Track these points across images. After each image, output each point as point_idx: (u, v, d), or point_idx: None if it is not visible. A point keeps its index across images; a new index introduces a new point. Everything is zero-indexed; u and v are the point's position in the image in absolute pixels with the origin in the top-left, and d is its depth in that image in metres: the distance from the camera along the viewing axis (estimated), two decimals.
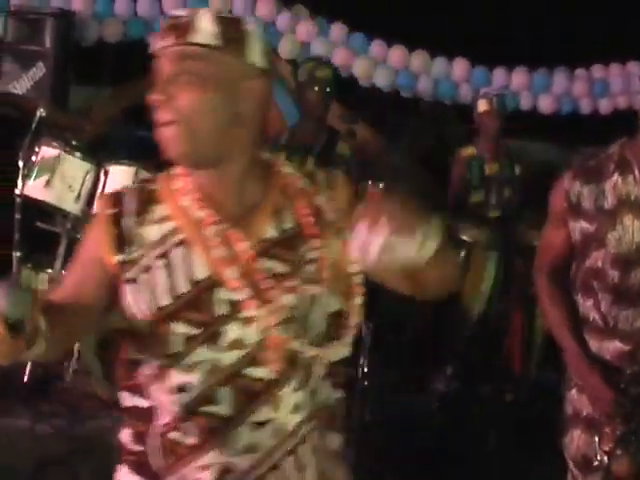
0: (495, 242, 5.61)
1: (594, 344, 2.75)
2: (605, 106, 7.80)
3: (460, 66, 7.52)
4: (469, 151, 5.72)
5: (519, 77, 7.56)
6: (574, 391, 2.82)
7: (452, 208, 5.74)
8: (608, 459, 2.64)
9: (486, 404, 5.61)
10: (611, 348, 2.71)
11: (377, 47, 7.50)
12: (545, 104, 7.62)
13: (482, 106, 5.70)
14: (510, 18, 7.80)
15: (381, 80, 7.45)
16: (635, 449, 2.61)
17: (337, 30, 7.47)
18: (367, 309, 1.76)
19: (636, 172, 2.59)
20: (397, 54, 7.48)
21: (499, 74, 7.55)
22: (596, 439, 2.71)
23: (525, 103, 7.56)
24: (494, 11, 7.79)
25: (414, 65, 7.50)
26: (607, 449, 2.64)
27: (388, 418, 5.15)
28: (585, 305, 2.77)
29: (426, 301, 2.10)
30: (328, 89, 4.71)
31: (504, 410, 5.62)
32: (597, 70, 7.81)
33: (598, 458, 2.68)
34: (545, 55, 7.64)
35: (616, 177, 2.61)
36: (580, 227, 2.67)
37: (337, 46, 7.44)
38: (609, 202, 2.61)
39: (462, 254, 5.51)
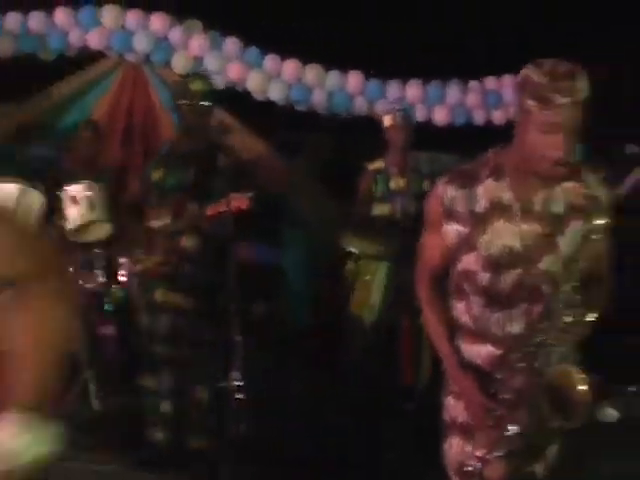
0: (390, 253, 5.65)
1: (467, 348, 2.81)
2: (498, 117, 7.92)
3: (354, 79, 7.57)
4: (376, 165, 5.83)
5: (413, 89, 7.65)
6: (451, 398, 2.88)
7: (356, 220, 5.81)
8: (481, 465, 2.70)
9: (384, 412, 5.65)
10: (483, 352, 2.77)
11: (271, 61, 7.52)
12: (439, 116, 7.69)
13: (387, 121, 5.83)
14: (403, 31, 7.89)
15: (275, 94, 7.48)
16: (507, 454, 2.66)
17: (230, 44, 7.49)
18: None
19: (509, 178, 2.67)
20: (291, 68, 7.52)
21: (393, 87, 7.62)
22: (470, 445, 2.77)
23: (420, 115, 7.63)
24: (387, 24, 7.89)
25: (308, 78, 7.52)
26: (480, 455, 2.70)
27: (286, 427, 5.17)
28: (457, 308, 2.84)
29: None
30: (203, 102, 4.69)
31: (401, 418, 5.66)
32: (490, 82, 7.93)
33: (472, 464, 2.74)
34: (438, 68, 7.74)
35: (489, 182, 2.68)
36: (453, 230, 2.74)
37: (231, 60, 7.45)
38: (481, 206, 2.68)
39: (351, 265, 5.57)
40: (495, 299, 2.72)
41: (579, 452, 3.18)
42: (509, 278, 2.69)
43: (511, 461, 2.69)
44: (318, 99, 7.55)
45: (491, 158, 2.74)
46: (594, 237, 2.61)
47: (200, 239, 4.74)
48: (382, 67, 7.57)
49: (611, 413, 2.34)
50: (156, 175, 4.80)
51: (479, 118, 7.88)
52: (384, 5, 7.92)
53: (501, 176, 2.69)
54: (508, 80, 7.89)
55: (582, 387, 2.54)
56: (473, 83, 7.91)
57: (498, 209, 2.68)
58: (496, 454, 2.68)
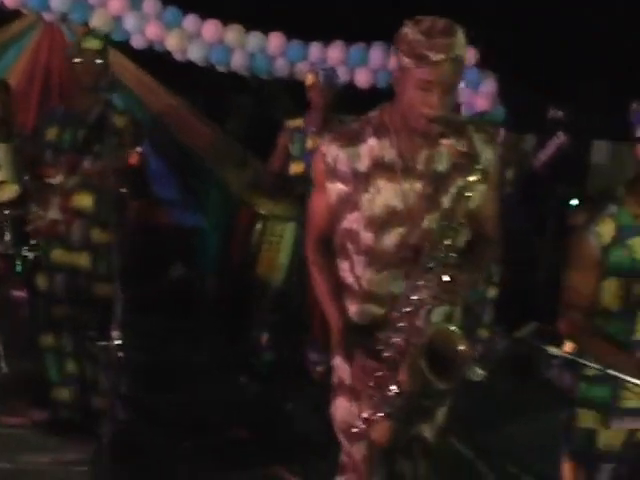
0: (299, 213, 5.64)
1: (352, 308, 2.81)
2: None
3: (275, 40, 7.52)
4: (296, 122, 5.83)
5: (335, 51, 7.61)
6: (338, 359, 2.88)
7: (272, 177, 5.80)
8: (367, 426, 2.72)
9: (299, 375, 5.69)
10: (367, 312, 2.78)
11: (190, 21, 7.44)
12: (362, 78, 7.66)
13: (308, 80, 5.80)
14: None
15: (195, 54, 7.43)
16: (390, 415, 2.67)
17: (150, 4, 7.40)
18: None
19: (392, 136, 2.67)
20: (211, 28, 7.46)
21: (315, 48, 7.58)
22: (356, 406, 2.79)
23: (342, 77, 7.59)
24: None
25: (228, 39, 7.45)
26: (366, 416, 2.71)
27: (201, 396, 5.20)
28: (342, 268, 2.84)
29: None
30: (98, 60, 4.63)
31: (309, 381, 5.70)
32: None
33: (358, 425, 2.75)
34: (362, 30, 7.72)
35: (372, 140, 2.68)
36: (336, 189, 2.73)
37: (149, 20, 7.35)
38: (364, 165, 2.68)
39: (259, 226, 5.57)
40: (378, 259, 2.72)
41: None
42: (392, 237, 2.69)
43: (396, 422, 2.68)
44: (238, 60, 7.48)
45: (375, 117, 2.73)
46: (467, 194, 2.57)
47: (94, 197, 4.70)
48: (304, 28, 7.51)
49: (478, 372, 2.36)
50: (50, 133, 4.77)
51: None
52: None
53: (384, 135, 2.68)
54: None
55: (461, 346, 2.55)
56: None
57: (380, 168, 2.67)
58: (379, 414, 2.67)
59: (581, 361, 2.80)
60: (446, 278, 2.53)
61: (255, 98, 7.83)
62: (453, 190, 2.65)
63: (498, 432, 5.10)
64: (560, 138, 7.86)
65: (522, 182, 6.66)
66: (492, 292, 6.14)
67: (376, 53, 7.72)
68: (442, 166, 2.66)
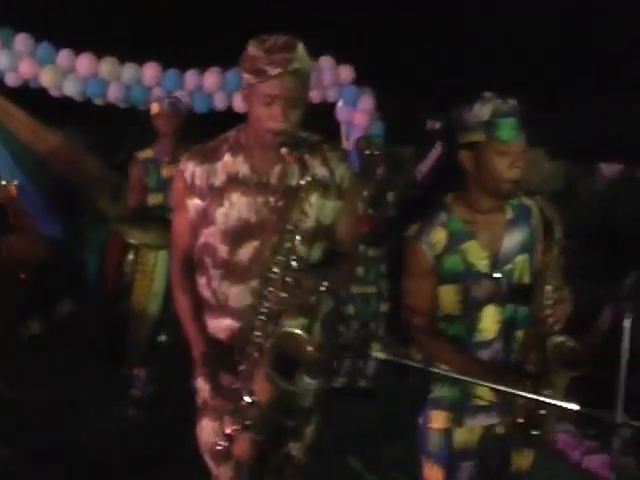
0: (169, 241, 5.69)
1: (210, 323, 2.88)
2: None
3: (151, 70, 7.64)
4: (146, 154, 5.82)
5: (212, 78, 7.74)
6: (200, 380, 2.92)
7: (131, 210, 5.83)
8: (229, 442, 2.77)
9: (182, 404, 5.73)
10: (224, 326, 2.84)
11: (64, 56, 7.50)
12: (240, 103, 7.79)
13: (153, 109, 5.84)
14: (200, 20, 8.01)
15: (70, 89, 7.47)
16: (248, 427, 2.70)
17: (22, 41, 7.43)
18: None
19: (247, 153, 2.78)
20: (85, 62, 7.51)
21: (191, 76, 7.71)
22: (219, 424, 2.84)
23: (219, 103, 7.75)
24: (182, 14, 7.98)
25: (103, 72, 7.53)
26: (228, 432, 2.75)
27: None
28: (200, 283, 2.90)
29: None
30: None
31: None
32: None
33: (221, 443, 2.79)
34: (238, 55, 7.85)
35: (227, 157, 2.79)
36: (194, 205, 2.81)
37: (23, 57, 7.39)
38: (219, 180, 2.78)
39: (130, 256, 5.63)
40: (233, 271, 2.79)
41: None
42: (246, 250, 2.76)
43: (257, 435, 2.71)
44: (114, 93, 7.58)
45: (231, 135, 2.84)
46: (303, 195, 2.67)
47: None
48: (179, 57, 7.62)
49: (308, 381, 2.42)
50: None
51: None
52: None
53: (239, 151, 2.79)
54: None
55: (309, 348, 2.58)
56: None
57: (235, 182, 2.77)
58: (236, 428, 2.71)
59: (411, 363, 2.84)
60: (288, 280, 2.63)
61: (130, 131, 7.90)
62: (307, 204, 2.74)
63: (389, 443, 5.22)
64: (438, 149, 8.13)
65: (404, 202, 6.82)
66: (384, 307, 6.33)
67: None
68: (295, 180, 2.72)
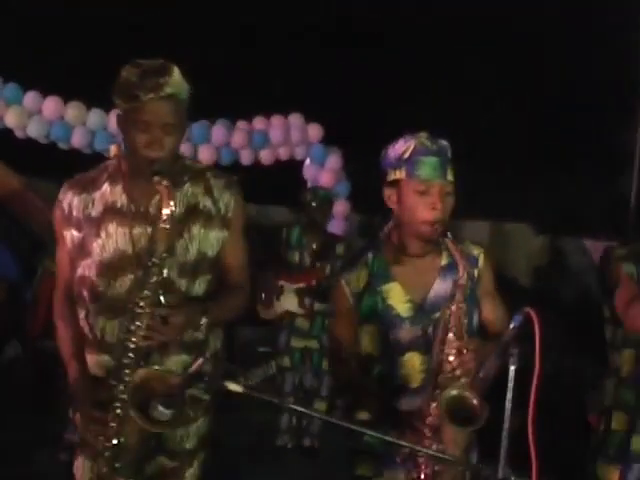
0: None
1: (89, 359, 2.78)
2: (266, 156, 8.23)
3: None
4: None
5: None
6: (78, 416, 2.77)
7: None
8: None
9: None
10: (101, 362, 2.71)
11: (31, 97, 7.61)
12: (204, 155, 7.91)
13: (112, 151, 5.89)
14: None
15: (35, 131, 7.56)
16: (121, 470, 2.60)
17: None
18: None
19: (125, 182, 2.69)
20: (51, 105, 7.62)
21: None
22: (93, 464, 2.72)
23: (185, 153, 7.81)
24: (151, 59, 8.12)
25: (69, 116, 7.63)
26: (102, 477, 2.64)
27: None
28: (80, 318, 2.80)
29: None
30: None
31: None
32: (258, 122, 8.23)
33: None
34: (204, 107, 7.96)
35: (105, 187, 2.71)
36: (71, 236, 2.73)
37: None
38: (96, 210, 2.70)
39: None
40: (109, 306, 2.69)
41: None
42: (122, 284, 2.66)
43: (122, 478, 2.63)
44: (79, 137, 7.68)
45: (111, 164, 2.77)
46: (163, 226, 2.56)
47: None
48: None
49: (162, 411, 2.37)
50: None
51: (246, 158, 8.16)
52: (140, 42, 8.14)
53: (117, 181, 2.71)
54: (277, 120, 8.23)
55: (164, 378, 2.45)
56: (240, 122, 8.21)
57: (111, 213, 2.68)
58: (107, 471, 2.60)
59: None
60: (156, 316, 2.53)
61: None
62: (189, 235, 2.69)
63: None
64: None
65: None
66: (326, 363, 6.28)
67: (219, 130, 8.00)
68: (176, 210, 2.61)
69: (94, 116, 7.74)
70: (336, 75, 8.41)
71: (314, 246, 6.14)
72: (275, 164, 8.44)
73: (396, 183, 2.74)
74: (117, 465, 2.58)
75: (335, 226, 8.16)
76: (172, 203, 2.55)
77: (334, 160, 8.32)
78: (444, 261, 2.87)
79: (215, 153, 8.00)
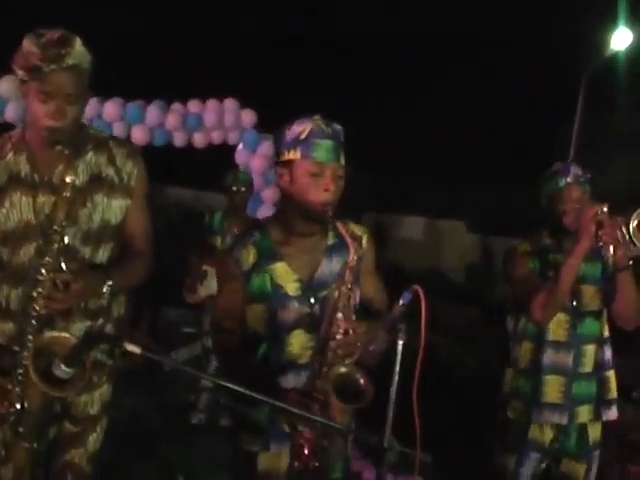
0: None
1: None
2: (199, 139, 8.44)
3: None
4: None
5: (112, 108, 7.94)
6: None
7: None
8: (6, 449, 2.71)
9: None
10: (6, 330, 2.80)
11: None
12: (138, 135, 8.05)
13: None
14: (105, 52, 8.23)
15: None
16: (27, 436, 2.68)
17: None
18: None
19: (30, 151, 2.76)
20: None
21: (91, 104, 7.86)
22: None
23: (117, 133, 7.92)
24: (87, 44, 8.21)
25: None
26: (6, 442, 2.71)
27: None
28: None
29: None
30: None
31: None
32: (193, 105, 8.40)
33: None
34: (140, 87, 8.09)
35: (10, 156, 2.77)
36: None
37: None
38: (0, 180, 2.75)
39: None
40: (13, 274, 2.76)
41: None
42: (26, 252, 2.74)
43: (30, 443, 2.72)
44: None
45: (16, 134, 2.82)
46: (65, 194, 2.63)
47: None
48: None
49: (64, 369, 2.43)
50: None
51: (179, 140, 8.35)
52: (83, 26, 8.22)
53: (21, 151, 2.76)
54: (212, 104, 8.39)
55: (65, 337, 2.51)
56: (176, 105, 8.38)
57: (16, 183, 2.74)
58: (10, 435, 2.67)
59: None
60: (58, 282, 2.58)
61: None
62: (93, 204, 2.77)
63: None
64: None
65: None
66: None
67: (153, 111, 8.13)
68: (79, 179, 2.72)
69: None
70: (270, 63, 8.59)
71: (235, 230, 6.21)
72: (208, 148, 8.58)
73: (290, 163, 2.79)
74: (20, 430, 2.64)
75: (265, 212, 8.33)
76: (72, 172, 2.64)
77: (266, 146, 8.48)
78: (330, 241, 2.95)
79: (149, 134, 8.10)
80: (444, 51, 11.73)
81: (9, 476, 2.72)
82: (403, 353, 2.42)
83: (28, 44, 2.58)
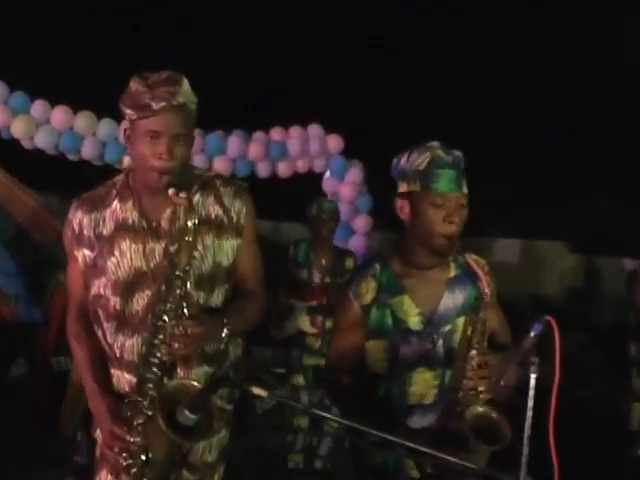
0: None
1: (114, 376, 2.91)
2: (283, 169, 8.33)
3: None
4: None
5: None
6: (99, 432, 2.89)
7: None
8: None
9: None
10: (123, 380, 2.84)
11: (39, 107, 7.70)
12: (220, 167, 8.01)
13: (125, 163, 5.97)
14: None
15: (42, 141, 7.65)
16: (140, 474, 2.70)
17: None
18: None
19: (135, 198, 2.80)
20: (60, 114, 7.72)
21: None
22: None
23: (200, 165, 7.87)
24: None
25: (79, 126, 7.72)
26: None
27: None
28: (99, 336, 2.92)
29: None
30: None
31: None
32: (275, 133, 8.33)
33: None
34: (220, 118, 8.05)
35: (115, 204, 2.82)
36: (83, 255, 2.84)
37: None
38: (108, 229, 2.81)
39: None
40: (127, 323, 2.80)
41: None
42: (139, 301, 2.78)
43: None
44: (89, 148, 7.78)
45: (119, 180, 2.88)
46: (187, 239, 2.65)
47: None
48: None
49: (188, 416, 2.46)
50: None
51: (262, 170, 8.26)
52: (153, 53, 8.25)
53: (127, 197, 2.82)
54: (295, 131, 8.30)
55: (190, 384, 2.58)
56: (258, 134, 8.32)
57: (124, 230, 2.79)
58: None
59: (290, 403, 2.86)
60: (179, 329, 2.62)
61: None
62: (201, 246, 2.77)
63: None
64: None
65: None
66: None
67: (234, 141, 8.08)
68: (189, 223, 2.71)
69: (104, 126, 7.83)
70: (357, 85, 8.47)
71: (323, 262, 6.21)
72: (293, 177, 8.48)
73: (410, 195, 2.83)
74: None
75: (356, 242, 8.23)
76: (194, 215, 2.67)
77: (355, 173, 8.38)
78: (452, 273, 2.97)
79: (231, 165, 8.06)
80: (537, 57, 11.43)
81: None
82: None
83: (136, 84, 2.65)
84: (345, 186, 8.43)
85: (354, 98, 8.48)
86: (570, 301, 13.89)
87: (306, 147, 8.35)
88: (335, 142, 8.46)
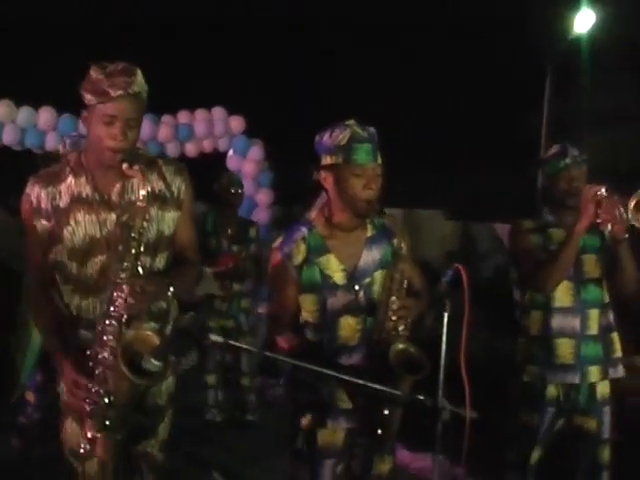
0: None
1: (72, 333, 3.09)
2: (190, 149, 9.04)
3: (46, 114, 8.40)
4: None
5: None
6: (62, 383, 3.12)
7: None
8: (91, 445, 2.95)
9: None
10: (80, 336, 3.07)
11: None
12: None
13: (61, 149, 6.39)
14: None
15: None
16: (110, 427, 2.89)
17: None
18: None
19: (88, 174, 3.06)
20: None
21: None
22: (80, 427, 3.01)
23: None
24: (79, 60, 8.67)
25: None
26: (90, 435, 2.94)
27: None
28: (57, 298, 3.14)
29: None
30: None
31: None
32: (182, 116, 9.00)
33: (83, 445, 2.96)
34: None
35: (70, 179, 3.07)
36: (41, 226, 3.06)
37: None
38: (64, 201, 3.05)
39: None
40: (82, 286, 3.06)
41: None
42: (93, 265, 3.03)
43: (114, 434, 2.94)
44: (10, 136, 8.27)
45: (73, 158, 3.10)
46: (140, 204, 2.92)
47: None
48: (75, 102, 8.22)
49: (154, 363, 2.95)
50: None
51: (171, 151, 8.91)
52: (76, 40, 8.58)
53: (81, 174, 3.06)
54: (200, 114, 9.03)
55: (151, 335, 2.83)
56: (166, 117, 8.94)
57: (79, 202, 3.03)
58: (99, 431, 2.90)
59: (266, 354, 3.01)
60: (135, 286, 2.86)
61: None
62: (147, 216, 2.98)
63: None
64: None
65: None
66: (244, 341, 6.56)
67: (145, 125, 8.32)
68: (135, 195, 2.97)
69: (24, 114, 8.29)
70: (258, 70, 9.01)
71: (229, 231, 6.65)
72: (199, 156, 9.16)
73: (333, 167, 3.19)
74: (107, 422, 2.88)
75: (259, 214, 8.96)
76: (147, 185, 2.96)
77: (256, 151, 9.10)
78: (369, 233, 3.36)
79: (143, 146, 8.50)
80: (410, 40, 12.21)
81: (94, 469, 3.03)
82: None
83: (96, 72, 2.89)
84: (248, 163, 9.12)
85: (255, 82, 9.04)
86: (449, 263, 14.73)
87: (211, 128, 9.00)
88: (238, 123, 9.14)
